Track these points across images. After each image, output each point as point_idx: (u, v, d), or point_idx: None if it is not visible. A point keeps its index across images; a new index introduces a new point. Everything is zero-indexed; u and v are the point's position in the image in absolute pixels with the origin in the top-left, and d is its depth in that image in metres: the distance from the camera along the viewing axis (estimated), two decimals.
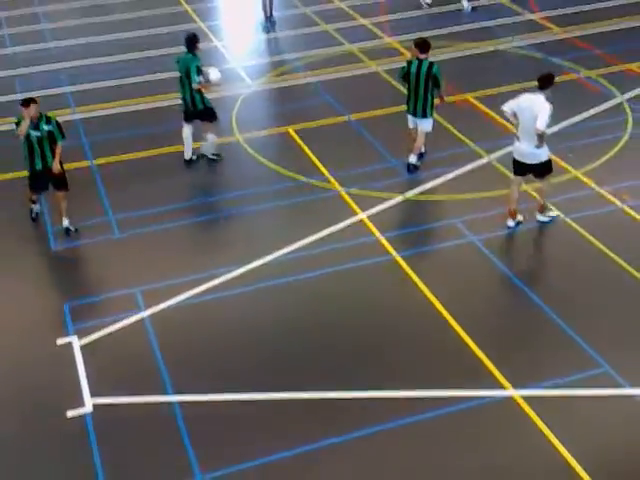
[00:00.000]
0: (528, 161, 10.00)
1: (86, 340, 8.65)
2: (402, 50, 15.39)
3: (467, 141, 12.26)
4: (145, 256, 9.99)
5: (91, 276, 9.72)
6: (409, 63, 11.25)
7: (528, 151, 9.91)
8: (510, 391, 7.79)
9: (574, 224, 10.22)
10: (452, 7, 17.19)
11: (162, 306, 9.11)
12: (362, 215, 10.59)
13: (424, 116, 11.34)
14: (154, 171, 11.83)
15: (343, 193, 11.10)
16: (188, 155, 11.86)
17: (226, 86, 13.93)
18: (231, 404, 7.81)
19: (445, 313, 8.84)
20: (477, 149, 12.04)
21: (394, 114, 13.04)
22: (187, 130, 11.77)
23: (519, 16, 16.85)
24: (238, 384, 8.02)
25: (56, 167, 10.14)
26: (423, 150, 11.76)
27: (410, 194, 11.01)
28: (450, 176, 11.39)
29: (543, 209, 10.36)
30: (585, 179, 11.13)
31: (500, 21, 16.60)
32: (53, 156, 10.08)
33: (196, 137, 11.95)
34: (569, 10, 16.95)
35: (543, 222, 10.35)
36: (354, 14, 17.34)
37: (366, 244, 10.06)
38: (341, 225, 10.38)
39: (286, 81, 14.49)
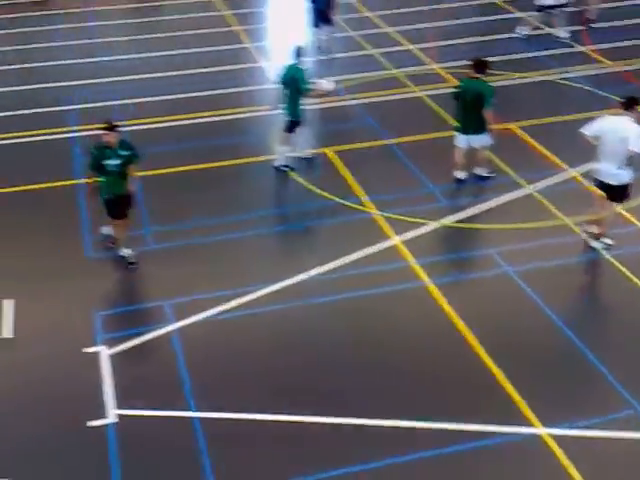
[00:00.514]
0: (610, 182, 10.00)
1: (114, 350, 8.68)
2: (447, 77, 15.29)
3: (509, 171, 12.09)
4: (178, 269, 10.01)
5: (123, 286, 9.77)
6: (462, 82, 11.36)
7: (611, 172, 9.94)
8: (539, 429, 7.57)
9: (614, 261, 9.96)
10: (504, 36, 17.06)
11: (191, 320, 9.11)
12: (396, 239, 10.48)
13: (478, 132, 11.34)
14: (193, 185, 11.90)
15: (378, 216, 11.01)
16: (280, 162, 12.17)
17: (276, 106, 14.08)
18: (255, 423, 7.73)
19: (476, 344, 8.65)
20: (519, 179, 11.85)
21: (435, 139, 12.96)
22: (288, 136, 12.16)
23: (571, 48, 16.65)
24: (263, 404, 7.94)
25: (132, 188, 9.87)
26: (485, 173, 11.78)
27: (446, 221, 10.88)
28: (489, 205, 11.23)
29: (600, 235, 10.18)
30: (628, 215, 10.87)
31: (551, 52, 16.42)
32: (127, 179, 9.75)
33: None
34: (623, 44, 16.70)
35: (595, 248, 10.17)
36: (402, 39, 17.33)
37: (398, 269, 9.93)
38: (374, 249, 10.28)
39: (328, 102, 14.50)
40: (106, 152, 9.56)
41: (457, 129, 11.60)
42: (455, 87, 11.60)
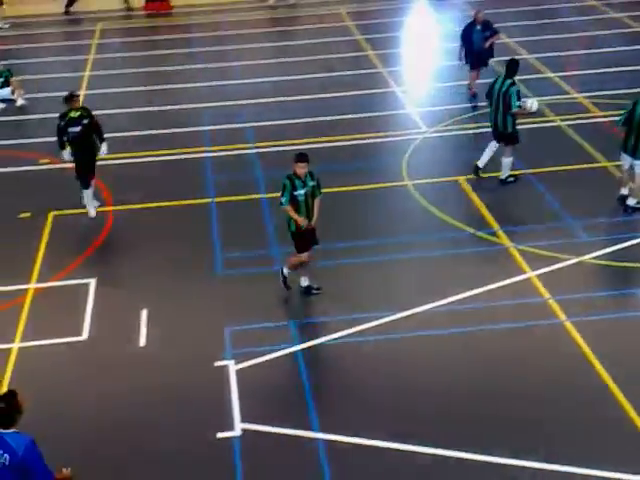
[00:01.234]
0: None
1: (242, 365, 8.78)
2: (589, 106, 14.76)
3: None
4: (304, 291, 10.02)
5: (252, 304, 9.85)
6: (635, 104, 11.13)
7: None
8: None
9: None
10: None
11: (317, 341, 9.10)
12: (531, 274, 10.10)
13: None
14: (325, 208, 11.90)
15: (512, 249, 10.66)
16: (482, 163, 12.45)
17: (405, 130, 14.03)
18: (377, 450, 7.59)
19: (615, 390, 8.17)
20: None
21: (576, 171, 12.49)
22: (493, 145, 12.38)
23: None
24: (383, 430, 7.79)
25: (315, 222, 9.70)
26: (633, 204, 11.39)
27: (586, 257, 10.40)
28: (631, 243, 10.67)
29: None
30: None
31: None
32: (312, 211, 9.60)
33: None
34: None
35: None
36: (542, 67, 16.89)
37: (533, 305, 9.56)
38: (507, 282, 9.95)
39: (462, 130, 14.28)
40: (297, 182, 9.46)
41: (623, 149, 11.40)
42: (626, 111, 11.28)
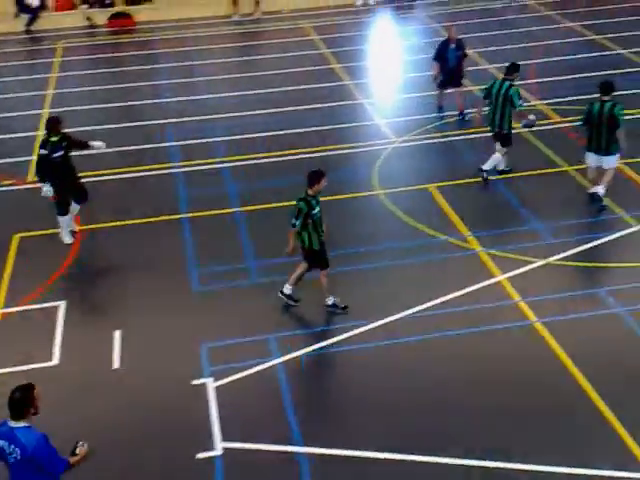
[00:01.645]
0: None
1: (220, 382, 8.79)
2: (549, 113, 15.09)
3: (618, 209, 11.77)
4: (282, 303, 10.12)
5: (229, 319, 9.90)
6: (592, 105, 11.54)
7: None
8: None
9: None
10: (606, 72, 16.72)
11: (296, 354, 9.17)
12: (501, 277, 10.31)
13: (608, 153, 11.49)
14: None
15: (482, 253, 10.88)
16: (488, 166, 12.76)
17: (371, 141, 14.21)
18: (363, 461, 7.67)
19: (588, 388, 8.39)
20: (628, 217, 11.52)
21: (539, 176, 12.79)
22: (498, 146, 12.74)
23: None
24: (366, 440, 7.89)
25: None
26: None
27: (553, 259, 10.64)
28: (596, 243, 10.95)
29: None
30: None
31: None
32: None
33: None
34: None
35: None
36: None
37: (504, 307, 9.77)
38: (478, 286, 10.15)
39: (430, 139, 14.51)
40: (312, 202, 9.42)
41: (589, 149, 11.76)
42: (585, 112, 11.71)
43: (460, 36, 15.51)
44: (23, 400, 5.98)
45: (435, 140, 14.47)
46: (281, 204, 12.51)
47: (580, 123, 11.95)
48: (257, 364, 9.02)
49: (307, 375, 8.96)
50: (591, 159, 11.80)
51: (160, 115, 16.41)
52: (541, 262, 10.59)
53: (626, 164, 12.66)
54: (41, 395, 6.06)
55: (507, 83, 12.48)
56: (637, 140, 13.17)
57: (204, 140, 15.07)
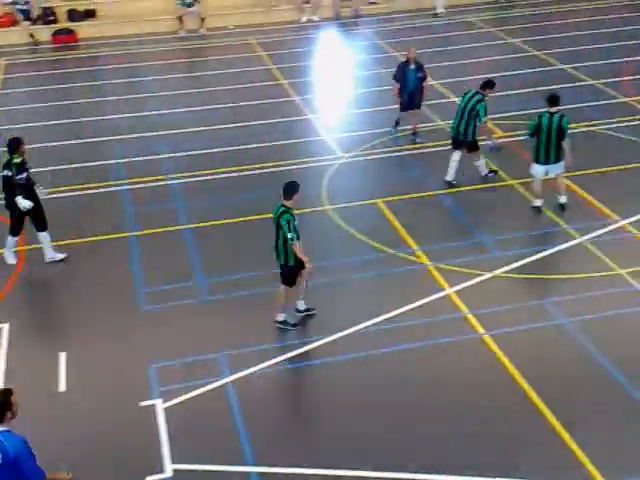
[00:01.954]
0: None
1: (169, 403, 8.69)
2: (492, 128, 15.40)
3: (560, 221, 12.04)
4: (232, 321, 10.07)
5: (178, 338, 9.80)
6: (540, 117, 11.91)
7: None
8: None
9: None
10: (546, 88, 17.13)
11: (246, 372, 9.12)
12: (449, 290, 10.44)
13: (558, 161, 11.98)
14: (244, 237, 12.03)
15: (431, 267, 11.00)
16: (450, 177, 13.09)
17: (319, 157, 14.28)
18: (312, 479, 7.65)
19: (534, 397, 8.53)
20: (570, 230, 11.79)
21: (484, 190, 13.01)
22: (456, 155, 13.06)
23: (613, 99, 16.66)
24: (318, 458, 7.87)
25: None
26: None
27: (499, 271, 10.82)
28: (540, 256, 11.17)
29: None
30: None
31: (594, 103, 16.43)
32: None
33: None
34: None
35: None
36: (447, 92, 17.49)
37: (452, 320, 9.88)
38: (427, 299, 10.25)
39: (377, 154, 14.64)
40: (293, 213, 9.42)
41: (537, 161, 12.11)
42: (532, 124, 12.05)
43: (401, 52, 15.60)
44: (2, 405, 5.96)
45: (382, 155, 14.60)
46: (230, 221, 12.49)
47: (528, 135, 12.23)
48: (207, 383, 8.94)
49: (258, 393, 8.91)
50: (539, 170, 12.09)
51: (106, 132, 16.21)
52: (488, 275, 10.75)
53: (568, 177, 12.95)
54: (18, 400, 6.02)
55: (478, 96, 12.77)
56: (579, 153, 13.54)
57: (151, 157, 14.94)
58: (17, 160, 10.99)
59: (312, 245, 11.66)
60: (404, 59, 14.99)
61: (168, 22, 23.43)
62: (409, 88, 14.72)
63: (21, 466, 5.88)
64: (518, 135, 14.52)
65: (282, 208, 9.42)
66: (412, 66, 14.72)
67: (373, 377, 9.03)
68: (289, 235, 9.32)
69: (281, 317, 9.85)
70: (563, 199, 12.26)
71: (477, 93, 12.87)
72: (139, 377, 9.09)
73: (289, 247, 9.39)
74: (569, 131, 11.98)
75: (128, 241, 12.03)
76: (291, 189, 9.43)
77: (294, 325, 9.84)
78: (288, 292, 9.79)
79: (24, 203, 10.99)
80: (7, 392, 6.11)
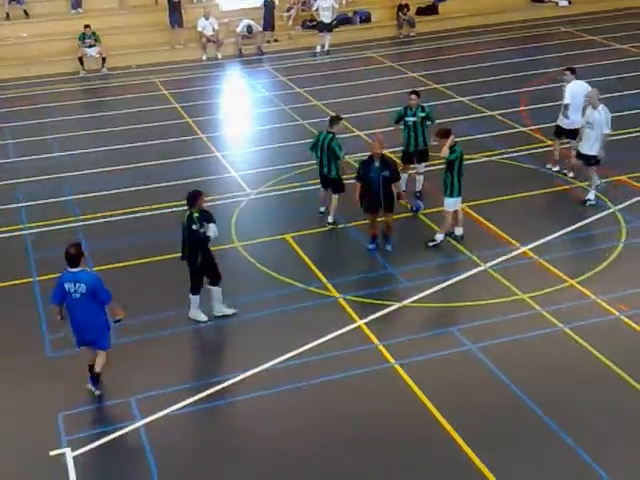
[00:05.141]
0: None
1: (80, 451, 8.46)
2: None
3: (463, 250, 12.41)
4: (141, 364, 9.89)
5: (85, 384, 9.54)
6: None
7: None
8: None
9: (572, 333, 10.21)
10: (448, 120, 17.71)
11: (157, 415, 8.97)
12: (360, 322, 10.58)
13: (449, 196, 12.29)
14: (151, 278, 11.88)
15: (341, 300, 11.13)
16: (331, 218, 13.28)
17: (227, 194, 14.28)
18: None
19: (446, 425, 8.70)
20: (473, 257, 12.16)
21: (400, 220, 13.30)
22: (322, 192, 13.48)
23: (512, 129, 17.38)
24: None
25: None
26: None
27: (408, 301, 11.05)
28: (447, 284, 11.47)
29: None
30: (582, 288, 11.20)
31: (494, 133, 17.08)
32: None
33: None
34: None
35: None
36: (349, 126, 17.84)
37: (364, 352, 10.01)
38: (339, 332, 10.35)
39: (284, 190, 14.77)
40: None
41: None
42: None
43: (304, 89, 15.82)
44: (78, 254, 8.77)
45: (289, 190, 14.73)
46: (136, 262, 12.31)
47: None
48: (118, 429, 8.75)
49: (172, 436, 8.75)
50: (453, 204, 12.31)
51: (8, 175, 15.79)
52: (397, 305, 10.96)
53: (470, 207, 13.39)
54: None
55: (330, 135, 12.93)
56: (481, 184, 14.07)
57: (55, 199, 14.61)
58: None
59: (222, 283, 11.65)
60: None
61: (69, 63, 23.08)
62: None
63: (98, 291, 8.73)
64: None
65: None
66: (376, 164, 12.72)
67: (287, 412, 9.03)
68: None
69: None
70: (459, 231, 12.55)
71: (328, 132, 13.00)
72: (48, 425, 8.84)
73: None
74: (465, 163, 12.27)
75: (32, 287, 11.69)
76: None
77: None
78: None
79: None
80: (79, 244, 9.00)
